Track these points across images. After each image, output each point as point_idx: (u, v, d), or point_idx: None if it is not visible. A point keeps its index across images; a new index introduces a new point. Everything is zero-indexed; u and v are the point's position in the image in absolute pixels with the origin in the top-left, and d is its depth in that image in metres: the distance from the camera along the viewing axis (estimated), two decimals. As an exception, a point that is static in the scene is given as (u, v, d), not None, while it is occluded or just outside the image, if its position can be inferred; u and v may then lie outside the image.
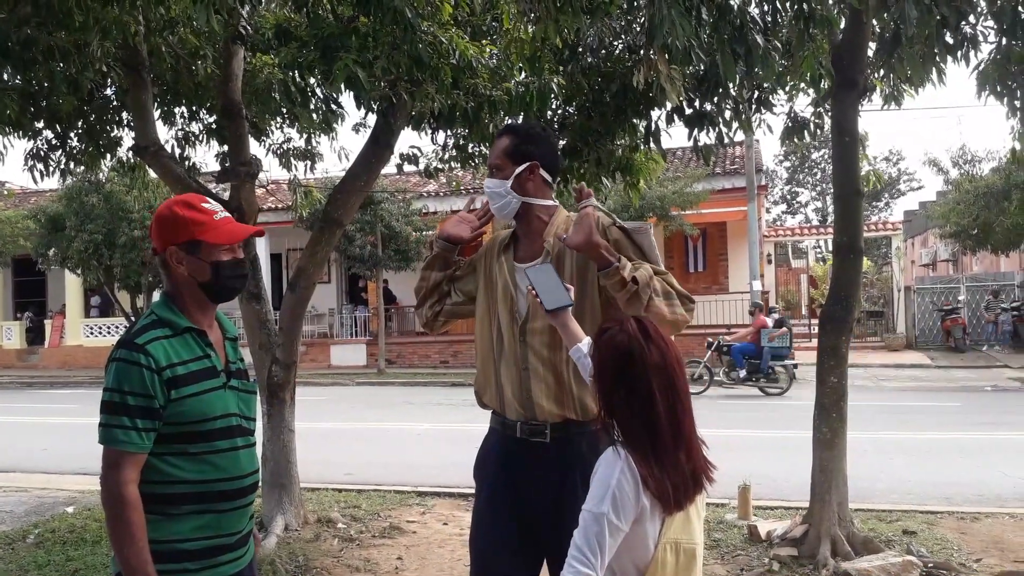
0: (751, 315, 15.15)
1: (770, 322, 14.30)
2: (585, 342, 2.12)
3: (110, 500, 1.94)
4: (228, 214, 2.12)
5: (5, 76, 5.06)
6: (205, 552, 2.03)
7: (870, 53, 5.05)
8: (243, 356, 2.28)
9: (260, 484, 2.24)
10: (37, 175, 6.27)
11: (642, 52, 4.53)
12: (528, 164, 2.44)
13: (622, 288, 2.23)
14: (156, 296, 17.56)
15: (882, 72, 5.28)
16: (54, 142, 6.19)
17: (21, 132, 5.72)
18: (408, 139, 62.50)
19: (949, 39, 4.46)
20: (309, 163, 7.00)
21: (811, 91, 5.46)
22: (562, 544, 1.98)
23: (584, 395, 2.32)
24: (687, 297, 2.33)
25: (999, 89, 4.77)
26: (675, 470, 1.70)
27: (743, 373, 13.83)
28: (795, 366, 13.80)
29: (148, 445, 1.95)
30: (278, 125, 6.58)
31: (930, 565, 4.48)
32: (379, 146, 5.38)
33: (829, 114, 5.38)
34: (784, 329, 14.24)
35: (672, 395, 1.72)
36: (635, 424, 1.71)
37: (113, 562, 2.02)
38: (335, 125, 5.51)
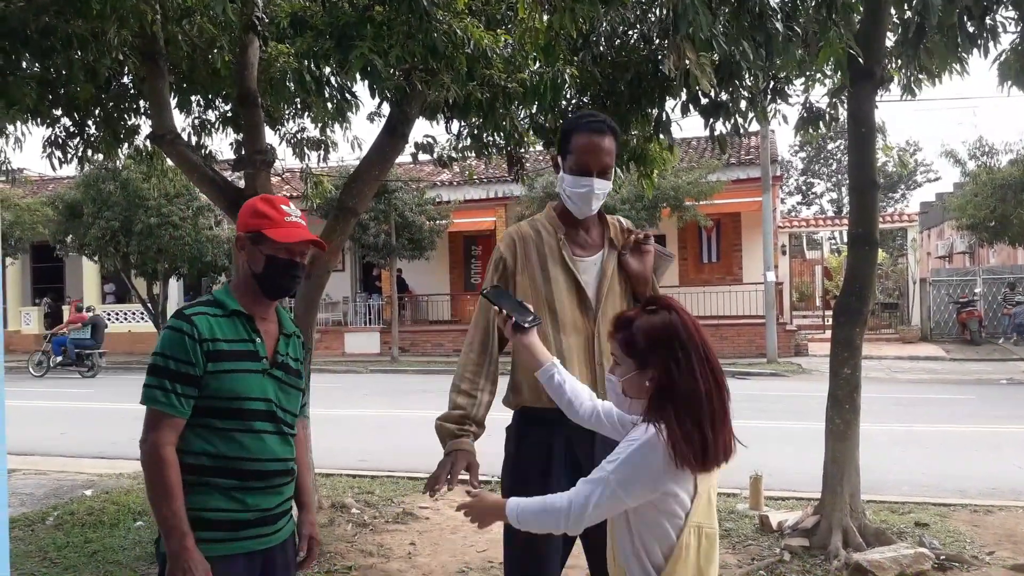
0: (78, 311, 19.36)
1: (88, 315, 18.48)
2: (552, 363, 2.13)
3: (149, 460, 2.03)
4: (302, 221, 2.22)
5: (24, 64, 5.11)
6: (227, 524, 2.09)
7: (888, 44, 5.00)
8: (298, 355, 2.31)
9: (292, 472, 2.25)
10: (55, 162, 6.33)
11: (660, 40, 4.53)
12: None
13: None
14: (173, 282, 17.59)
15: (899, 62, 5.23)
16: (72, 130, 6.24)
17: (39, 119, 5.78)
18: (423, 128, 62.60)
19: (971, 29, 4.42)
20: (322, 152, 7.02)
21: (828, 81, 5.42)
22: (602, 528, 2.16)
23: None
24: None
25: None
26: (717, 435, 1.75)
27: (60, 359, 17.93)
28: (101, 355, 18.11)
29: (186, 411, 2.06)
30: (292, 114, 6.60)
31: (942, 557, 4.47)
32: (394, 135, 5.39)
33: (845, 105, 5.34)
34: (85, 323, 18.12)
35: (710, 367, 1.78)
36: (696, 397, 1.74)
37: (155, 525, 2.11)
38: (349, 114, 5.53)
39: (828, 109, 5.55)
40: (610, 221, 2.61)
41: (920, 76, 5.32)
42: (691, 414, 1.72)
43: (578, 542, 2.44)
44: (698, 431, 1.71)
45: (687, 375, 1.74)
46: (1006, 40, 4.62)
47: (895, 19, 4.95)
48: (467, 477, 2.40)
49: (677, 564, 1.73)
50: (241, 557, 2.11)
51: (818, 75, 5.14)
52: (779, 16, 3.76)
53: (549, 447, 2.41)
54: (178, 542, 1.99)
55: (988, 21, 4.45)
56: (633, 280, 2.52)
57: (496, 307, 2.26)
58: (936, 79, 5.33)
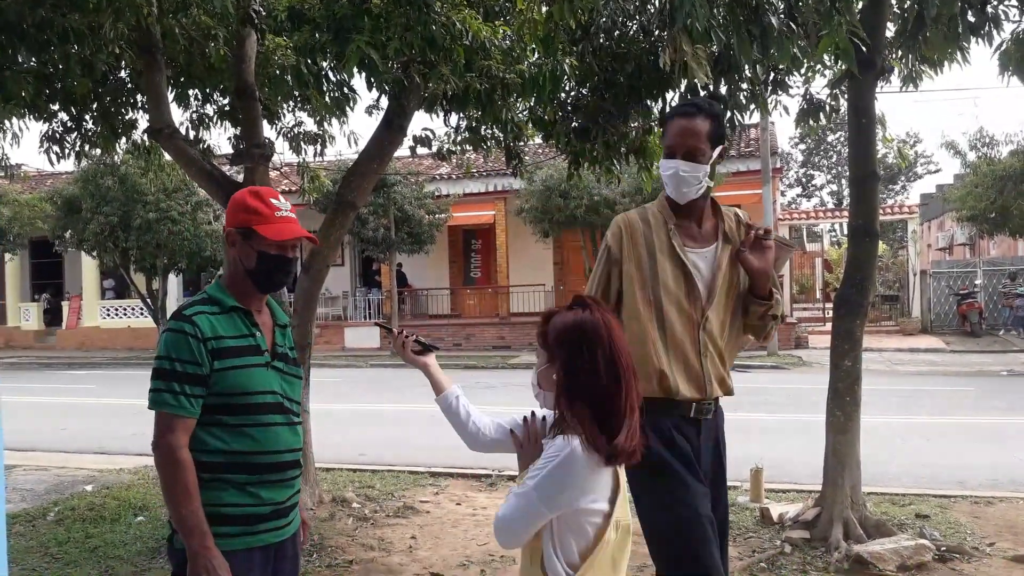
0: None
1: None
2: (455, 388, 2.18)
3: (165, 463, 2.04)
4: (292, 216, 2.21)
5: (20, 58, 5.08)
6: (243, 519, 2.11)
7: (888, 34, 4.98)
8: (291, 344, 2.34)
9: (301, 463, 2.29)
10: (53, 157, 6.31)
11: (660, 32, 4.51)
12: (720, 148, 2.48)
13: (761, 319, 2.51)
14: (172, 277, 17.60)
15: (900, 53, 5.21)
16: (69, 124, 6.22)
17: (36, 114, 5.76)
18: (421, 121, 62.45)
19: (972, 18, 4.40)
20: (319, 147, 7.00)
21: (828, 72, 5.40)
22: (717, 506, 2.48)
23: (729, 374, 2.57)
24: (783, 319, 2.58)
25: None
26: (630, 433, 1.81)
27: None
28: None
29: (196, 411, 2.06)
30: (290, 108, 6.58)
31: (943, 549, 4.47)
32: (392, 128, 5.37)
33: (845, 96, 5.32)
34: None
35: (615, 368, 1.82)
36: (597, 392, 1.80)
37: (169, 522, 2.12)
38: (346, 108, 5.51)
39: (829, 100, 5.52)
40: (726, 214, 2.57)
41: (921, 67, 5.30)
42: (595, 410, 1.79)
43: None
44: (599, 427, 1.78)
45: (588, 373, 1.80)
46: (1008, 29, 4.59)
47: (895, 8, 4.92)
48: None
49: (596, 557, 1.80)
50: (257, 551, 2.14)
51: (818, 66, 5.11)
52: (778, 10, 3.74)
53: (670, 440, 2.44)
54: (198, 542, 2.00)
55: (989, 10, 4.42)
56: (753, 276, 2.48)
57: (390, 332, 2.33)
58: (937, 69, 5.30)
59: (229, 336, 2.11)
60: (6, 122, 5.96)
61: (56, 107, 5.88)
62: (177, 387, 2.03)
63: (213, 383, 2.07)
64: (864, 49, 4.35)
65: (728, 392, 2.56)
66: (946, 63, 5.03)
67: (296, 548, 2.30)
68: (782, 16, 3.85)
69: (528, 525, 1.81)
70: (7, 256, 23.07)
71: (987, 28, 4.47)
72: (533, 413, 2.02)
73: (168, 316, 2.14)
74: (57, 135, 6.23)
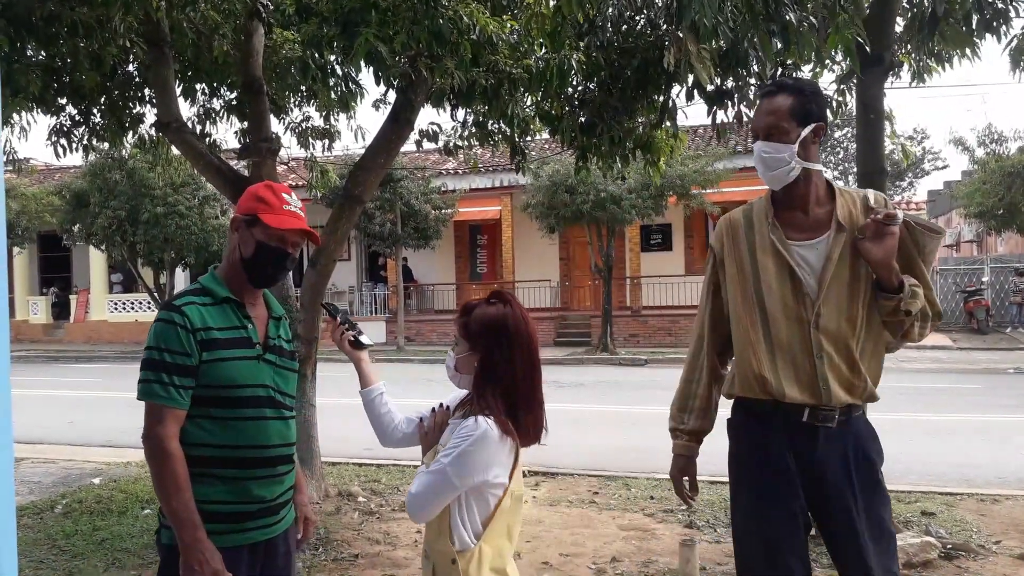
0: None
1: None
2: (380, 385, 2.32)
3: (154, 454, 2.02)
4: (301, 212, 2.21)
5: (29, 52, 5.10)
6: (229, 516, 2.08)
7: (898, 29, 4.96)
8: (289, 336, 2.33)
9: (293, 458, 2.28)
10: (60, 151, 6.33)
11: (666, 29, 4.50)
12: (814, 126, 2.26)
13: (893, 314, 2.22)
14: (180, 271, 17.65)
15: (909, 48, 5.18)
16: (77, 118, 6.24)
17: (44, 108, 5.78)
18: (428, 116, 62.47)
19: (987, 15, 4.37)
20: (326, 142, 7.01)
21: (836, 68, 5.37)
22: (849, 525, 2.22)
23: (873, 381, 2.30)
24: (938, 315, 2.29)
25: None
26: (534, 418, 2.05)
27: None
28: None
29: (185, 403, 2.04)
30: (296, 103, 6.59)
31: (949, 546, 4.46)
32: (399, 123, 5.37)
33: (853, 92, 5.30)
34: None
35: (529, 359, 2.05)
36: (510, 380, 2.01)
37: (159, 515, 2.11)
38: (353, 103, 5.51)
39: (836, 96, 5.50)
40: (847, 198, 2.31)
41: (931, 63, 5.28)
42: (506, 396, 2.01)
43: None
44: (512, 410, 2.00)
45: (505, 362, 2.01)
46: (1019, 26, 4.57)
47: (905, 3, 4.90)
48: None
49: (496, 523, 2.00)
50: (245, 548, 2.11)
51: (827, 61, 5.09)
52: (791, 5, 3.73)
53: (766, 447, 2.30)
54: (191, 534, 1.97)
55: (1000, 5, 4.40)
56: (872, 267, 2.21)
57: (332, 318, 2.35)
58: (945, 65, 5.28)
59: (219, 328, 2.09)
60: (14, 116, 5.98)
61: (64, 101, 5.90)
62: (166, 378, 2.01)
63: (202, 375, 2.04)
64: (867, 50, 4.34)
65: (865, 398, 2.30)
66: (955, 59, 5.01)
67: (288, 545, 2.27)
68: (798, 11, 3.83)
69: (441, 499, 1.97)
70: (15, 250, 23.16)
71: (997, 24, 4.45)
72: (441, 404, 2.20)
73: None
74: (65, 129, 6.25)
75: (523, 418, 2.02)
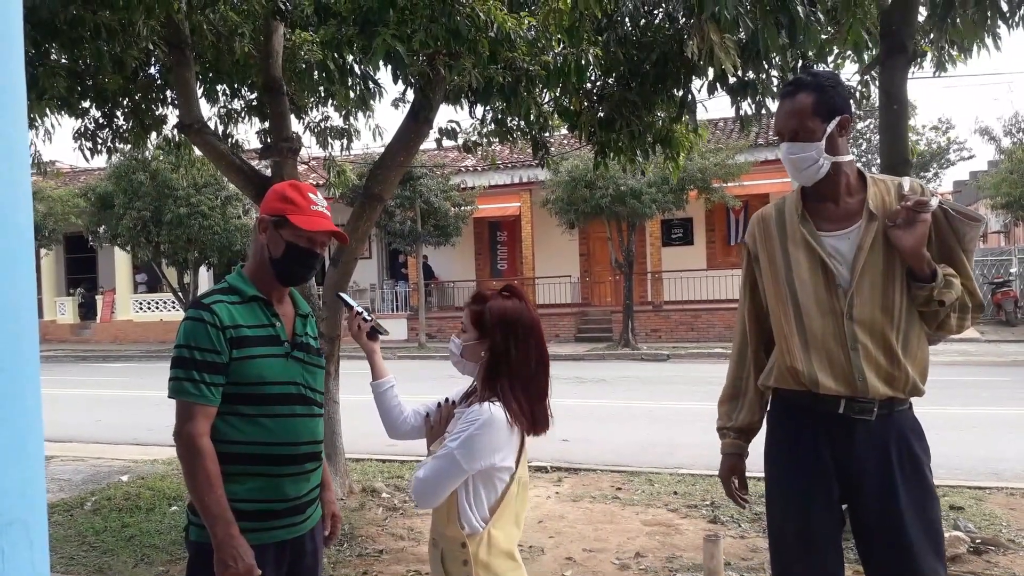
0: None
1: None
2: (391, 378, 2.35)
3: (187, 452, 2.03)
4: (327, 212, 2.23)
5: (53, 55, 5.17)
6: (256, 515, 2.09)
7: (920, 18, 4.89)
8: (315, 333, 2.34)
9: (320, 455, 2.30)
10: (86, 153, 6.41)
11: (685, 21, 4.47)
12: (839, 119, 2.22)
13: (927, 304, 2.18)
14: (203, 271, 17.77)
15: (932, 37, 5.11)
16: (101, 120, 6.32)
17: (69, 111, 5.85)
18: (447, 114, 62.54)
19: (1003, 3, 4.31)
20: (345, 141, 7.04)
21: (856, 59, 5.31)
22: (890, 523, 2.18)
23: (917, 374, 2.28)
24: (979, 307, 2.26)
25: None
26: (544, 408, 2.10)
27: None
28: None
29: (216, 399, 2.05)
30: (316, 102, 6.62)
31: (978, 541, 4.41)
32: (418, 121, 5.38)
33: (876, 83, 5.23)
34: None
35: (539, 352, 2.11)
36: (526, 372, 2.06)
37: (188, 512, 2.14)
38: (372, 103, 5.53)
39: (859, 87, 5.44)
40: (881, 187, 2.27)
41: (952, 51, 5.20)
42: (520, 386, 2.05)
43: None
44: (525, 400, 2.05)
45: (522, 353, 2.06)
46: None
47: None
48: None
49: (506, 509, 2.04)
50: (271, 547, 2.12)
51: (848, 52, 5.04)
52: None
53: (801, 440, 2.28)
54: (224, 530, 1.98)
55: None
56: (902, 255, 2.16)
57: (349, 309, 2.37)
58: (966, 54, 5.20)
59: (248, 325, 2.10)
60: (39, 119, 6.07)
61: (88, 103, 5.97)
62: (197, 375, 2.02)
63: (232, 372, 2.06)
64: (884, 40, 4.29)
65: (908, 391, 2.27)
66: (975, 48, 4.93)
67: (316, 543, 2.27)
68: (807, 4, 3.80)
69: (449, 483, 1.99)
70: (42, 251, 23.53)
71: (1020, 11, 4.38)
72: (447, 399, 2.24)
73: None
74: (89, 131, 6.33)
75: (536, 407, 2.07)
